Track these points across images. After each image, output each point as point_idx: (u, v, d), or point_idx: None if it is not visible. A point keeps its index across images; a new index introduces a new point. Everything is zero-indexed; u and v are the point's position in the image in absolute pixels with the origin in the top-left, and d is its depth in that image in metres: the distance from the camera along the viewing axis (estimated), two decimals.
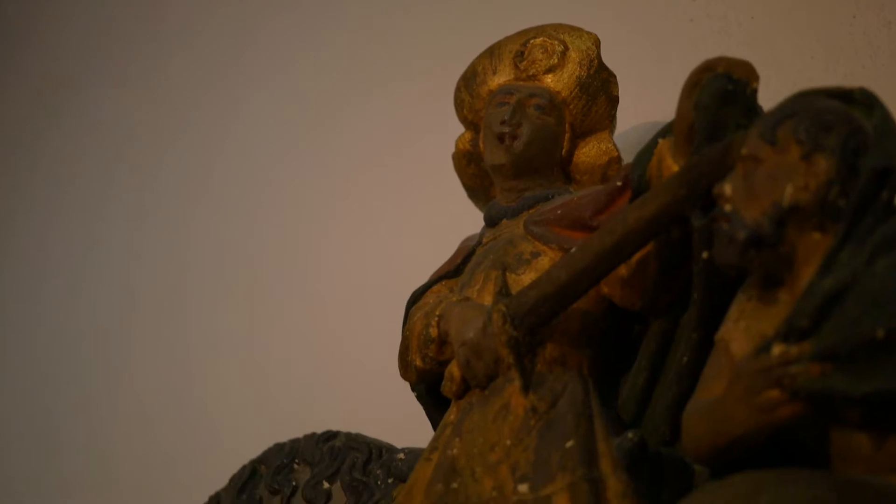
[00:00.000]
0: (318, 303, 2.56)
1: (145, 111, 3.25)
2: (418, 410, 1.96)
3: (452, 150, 2.00)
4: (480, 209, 2.01)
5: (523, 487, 1.52)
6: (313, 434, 2.11)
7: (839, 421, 1.33)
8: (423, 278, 1.96)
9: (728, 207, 1.43)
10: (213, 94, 3.09)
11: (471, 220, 2.02)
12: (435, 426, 1.90)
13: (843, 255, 1.34)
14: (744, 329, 1.46)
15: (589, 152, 1.90)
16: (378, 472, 1.97)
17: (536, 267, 1.72)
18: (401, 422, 2.07)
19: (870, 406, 1.28)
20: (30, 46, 3.69)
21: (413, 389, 1.92)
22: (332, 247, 2.59)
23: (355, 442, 2.05)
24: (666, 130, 1.66)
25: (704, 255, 1.54)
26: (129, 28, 3.41)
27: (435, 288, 1.90)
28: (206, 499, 2.17)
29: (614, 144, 1.92)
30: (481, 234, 1.90)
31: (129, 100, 3.32)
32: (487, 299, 1.72)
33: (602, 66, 1.90)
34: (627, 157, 1.91)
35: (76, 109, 3.48)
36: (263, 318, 2.66)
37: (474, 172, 1.99)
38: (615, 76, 1.91)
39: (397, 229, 2.49)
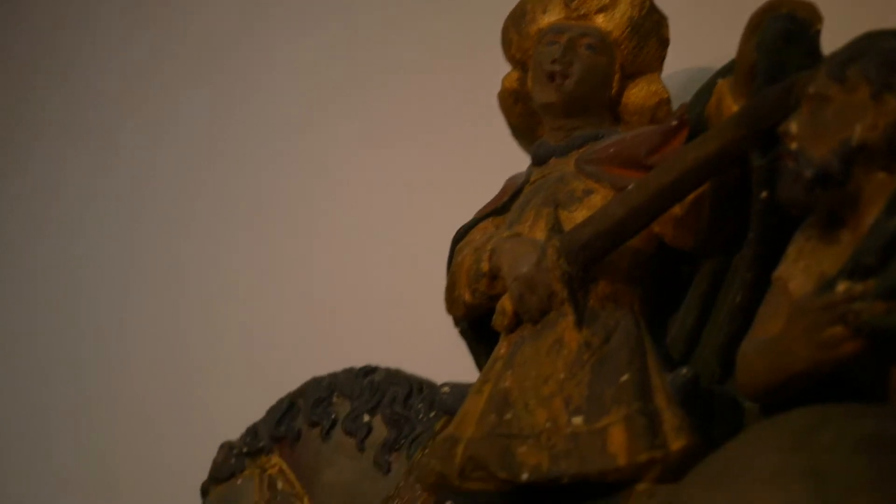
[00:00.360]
0: (355, 239, 2.57)
1: (163, 58, 3.24)
2: (455, 347, 1.98)
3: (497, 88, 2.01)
4: (526, 149, 2.01)
5: (578, 420, 1.54)
6: (352, 368, 2.12)
7: None
8: (463, 214, 1.97)
9: (794, 146, 1.44)
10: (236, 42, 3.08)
11: (514, 159, 2.03)
12: (478, 361, 1.92)
13: None
14: (803, 268, 1.47)
15: (639, 93, 1.91)
16: (419, 406, 1.98)
17: (588, 204, 1.73)
18: (438, 358, 2.09)
19: None
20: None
21: (456, 325, 1.94)
22: (370, 179, 2.58)
23: (395, 377, 2.06)
24: (726, 70, 1.66)
25: (763, 194, 1.55)
26: None
27: (481, 225, 1.90)
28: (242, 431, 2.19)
29: (664, 86, 1.92)
30: (528, 173, 1.91)
31: (144, 45, 3.30)
32: (538, 236, 1.73)
33: (654, 8, 1.91)
34: (674, 101, 1.93)
35: (89, 53, 3.47)
36: (301, 252, 2.66)
37: (521, 112, 1.99)
38: (666, 18, 1.91)
39: (437, 166, 2.49)
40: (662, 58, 1.93)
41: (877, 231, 1.36)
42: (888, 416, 1.27)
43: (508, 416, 1.60)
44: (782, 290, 1.49)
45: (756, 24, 1.58)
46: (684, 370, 1.57)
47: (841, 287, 1.33)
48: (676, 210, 1.65)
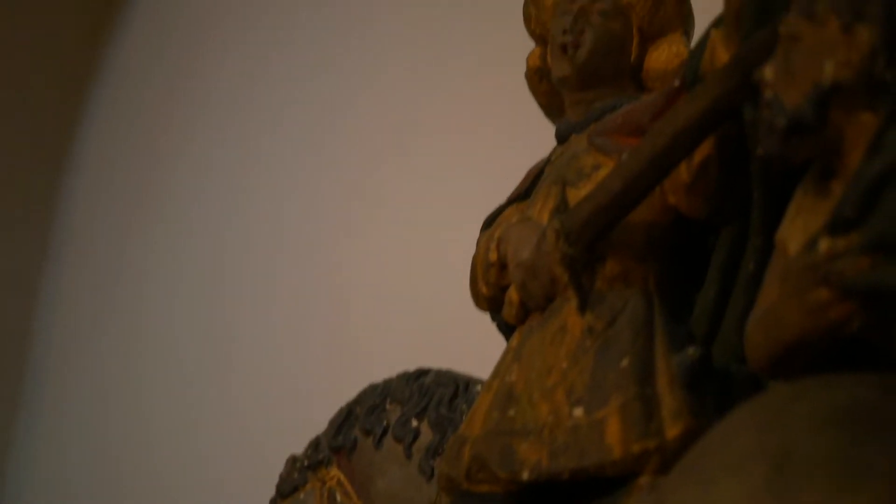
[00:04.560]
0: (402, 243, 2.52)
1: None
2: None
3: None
4: None
5: (578, 411, 1.44)
6: (405, 373, 2.06)
7: None
8: None
9: (769, 93, 1.30)
10: None
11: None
12: None
13: (890, 134, 1.20)
14: (801, 227, 1.32)
15: (659, 57, 1.77)
16: (463, 406, 1.91)
17: (596, 180, 1.61)
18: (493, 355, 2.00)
19: None
20: None
21: (493, 320, 1.85)
22: (410, 182, 2.53)
23: (444, 378, 1.99)
24: (719, 20, 1.53)
25: (760, 150, 1.41)
26: None
27: (506, 213, 1.81)
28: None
29: (687, 46, 1.78)
30: (552, 153, 1.81)
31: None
32: (546, 218, 1.63)
33: None
34: None
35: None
36: (353, 260, 2.63)
37: (546, 90, 1.88)
38: None
39: (481, 166, 2.41)
40: (685, 14, 1.79)
41: (857, 179, 1.21)
42: (865, 383, 1.13)
43: (511, 412, 1.51)
44: (782, 253, 1.34)
45: None
46: (691, 350, 1.44)
47: (823, 245, 1.20)
48: (684, 177, 1.53)
